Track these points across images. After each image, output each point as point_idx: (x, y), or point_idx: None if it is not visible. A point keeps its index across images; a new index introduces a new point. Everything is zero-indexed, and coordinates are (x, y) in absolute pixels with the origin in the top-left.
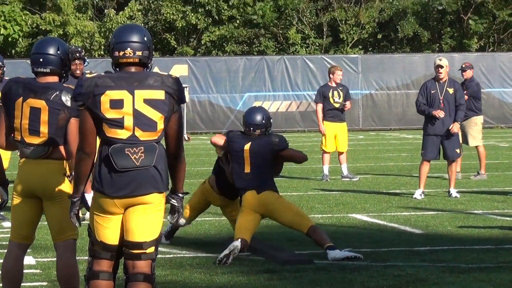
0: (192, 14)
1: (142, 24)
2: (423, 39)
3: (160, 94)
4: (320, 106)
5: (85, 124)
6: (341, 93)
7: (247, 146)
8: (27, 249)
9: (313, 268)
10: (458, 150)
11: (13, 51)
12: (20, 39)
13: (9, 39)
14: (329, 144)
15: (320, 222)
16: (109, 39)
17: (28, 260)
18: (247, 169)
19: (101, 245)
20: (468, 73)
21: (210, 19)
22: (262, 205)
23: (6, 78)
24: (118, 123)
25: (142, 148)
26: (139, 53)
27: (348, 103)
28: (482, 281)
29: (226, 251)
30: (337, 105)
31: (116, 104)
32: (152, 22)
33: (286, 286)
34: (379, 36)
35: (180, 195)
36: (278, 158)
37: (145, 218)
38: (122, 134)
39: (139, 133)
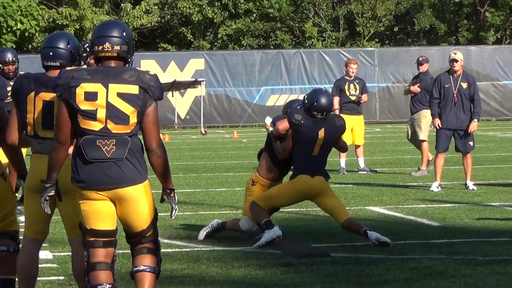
0: (209, 8)
1: (159, 18)
2: (439, 32)
3: (134, 89)
4: (336, 99)
5: (61, 115)
6: (357, 86)
7: (321, 133)
8: (41, 244)
9: (330, 262)
10: (471, 143)
11: (29, 46)
12: (37, 34)
13: (26, 34)
14: (346, 137)
15: None
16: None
17: (45, 254)
18: (315, 152)
19: (91, 232)
20: (424, 67)
21: (227, 12)
22: (315, 188)
23: (21, 72)
24: (91, 115)
25: (114, 140)
26: (117, 47)
27: (364, 96)
28: (500, 274)
29: (266, 239)
30: (353, 98)
31: (90, 96)
32: (169, 16)
33: (302, 279)
34: (396, 29)
35: (168, 191)
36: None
37: (136, 210)
38: (95, 126)
39: (111, 126)
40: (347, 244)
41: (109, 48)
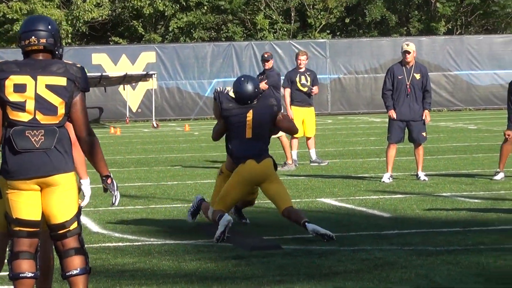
0: (160, 1)
1: (110, 12)
2: (390, 23)
3: (62, 81)
4: (287, 91)
5: None
6: (308, 78)
7: (249, 115)
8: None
9: (281, 254)
10: (424, 134)
11: None
12: None
13: None
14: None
15: None
16: (76, 27)
17: None
18: (248, 135)
19: (16, 222)
20: (270, 63)
21: (178, 5)
22: (260, 174)
23: None
24: (20, 106)
25: (43, 131)
26: (43, 40)
27: (315, 88)
28: (450, 264)
29: (221, 229)
30: (304, 89)
31: (19, 88)
32: (120, 10)
33: (254, 272)
34: (347, 20)
35: (104, 178)
36: (276, 125)
37: (60, 199)
38: (24, 117)
39: (40, 117)
40: (298, 236)
41: (35, 41)
